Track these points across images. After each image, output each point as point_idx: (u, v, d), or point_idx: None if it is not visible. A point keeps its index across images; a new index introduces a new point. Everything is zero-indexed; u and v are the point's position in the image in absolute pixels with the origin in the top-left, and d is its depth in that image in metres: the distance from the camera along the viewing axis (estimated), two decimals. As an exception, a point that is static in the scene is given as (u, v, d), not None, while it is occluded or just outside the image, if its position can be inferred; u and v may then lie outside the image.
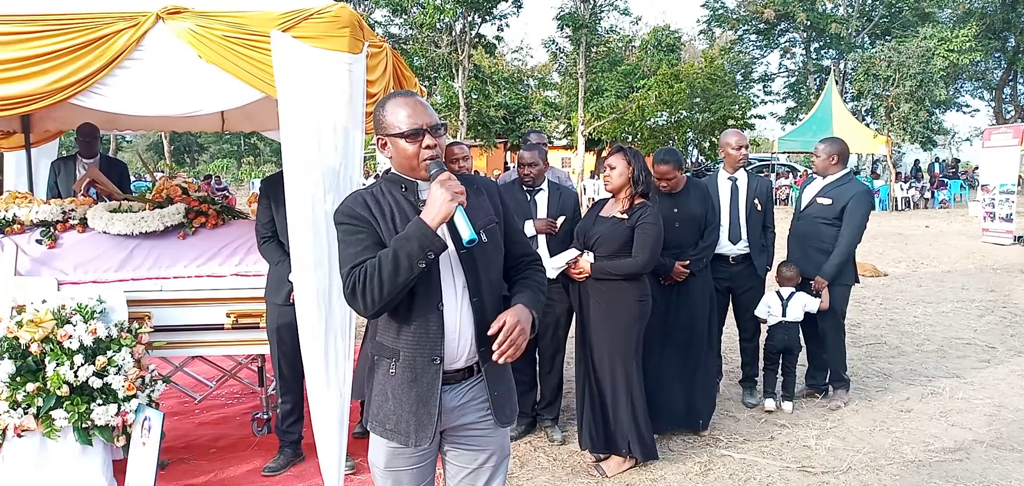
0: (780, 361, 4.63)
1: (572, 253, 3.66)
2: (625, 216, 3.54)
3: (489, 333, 1.82)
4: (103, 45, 2.82)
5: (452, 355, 1.89)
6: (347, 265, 1.81)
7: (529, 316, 1.88)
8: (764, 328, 4.69)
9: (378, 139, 1.91)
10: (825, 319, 4.60)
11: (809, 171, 26.33)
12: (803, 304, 4.53)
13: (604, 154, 4.25)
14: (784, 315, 4.55)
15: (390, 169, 1.98)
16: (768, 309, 4.59)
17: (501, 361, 1.82)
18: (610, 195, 3.71)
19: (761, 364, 4.76)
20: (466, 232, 1.76)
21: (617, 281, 3.54)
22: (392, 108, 1.87)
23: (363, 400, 2.89)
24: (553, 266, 3.68)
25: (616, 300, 3.55)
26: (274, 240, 3.52)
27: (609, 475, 3.63)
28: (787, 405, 4.58)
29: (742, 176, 4.57)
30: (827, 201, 4.57)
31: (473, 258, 1.89)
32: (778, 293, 4.61)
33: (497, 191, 2.06)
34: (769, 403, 4.58)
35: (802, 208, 4.73)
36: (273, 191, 3.44)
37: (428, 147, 1.85)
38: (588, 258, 3.61)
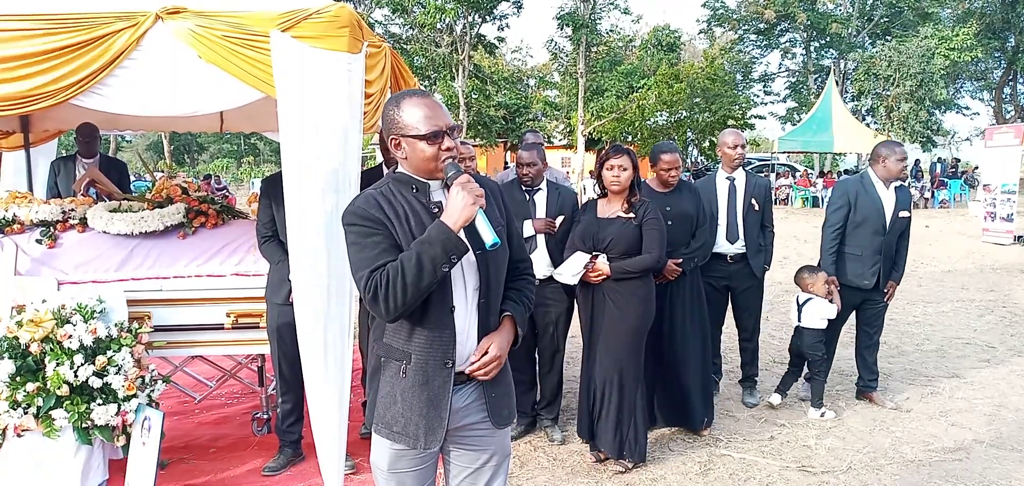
0: (801, 365, 4.57)
1: (585, 257, 3.60)
2: (632, 215, 3.56)
3: (470, 362, 1.89)
4: (103, 45, 2.82)
5: (461, 357, 1.89)
6: (365, 268, 1.79)
7: (510, 338, 1.95)
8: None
9: (391, 138, 1.88)
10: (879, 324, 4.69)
11: (809, 172, 26.24)
12: (819, 312, 4.45)
13: (603, 153, 4.18)
14: (799, 320, 4.53)
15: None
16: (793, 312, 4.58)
17: (481, 378, 1.92)
18: (597, 195, 3.74)
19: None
20: (489, 236, 1.76)
21: (631, 281, 3.55)
22: (408, 108, 1.84)
23: (364, 401, 2.87)
24: (571, 274, 3.61)
25: (630, 301, 3.56)
26: (274, 240, 3.51)
27: (614, 473, 3.62)
28: (813, 412, 4.45)
29: (740, 176, 4.57)
30: (907, 213, 4.55)
31: (486, 261, 1.88)
32: (797, 298, 4.59)
33: (499, 192, 2.05)
34: (775, 398, 4.55)
35: (890, 223, 4.50)
36: (273, 191, 3.44)
37: (447, 149, 1.84)
38: (603, 259, 3.58)
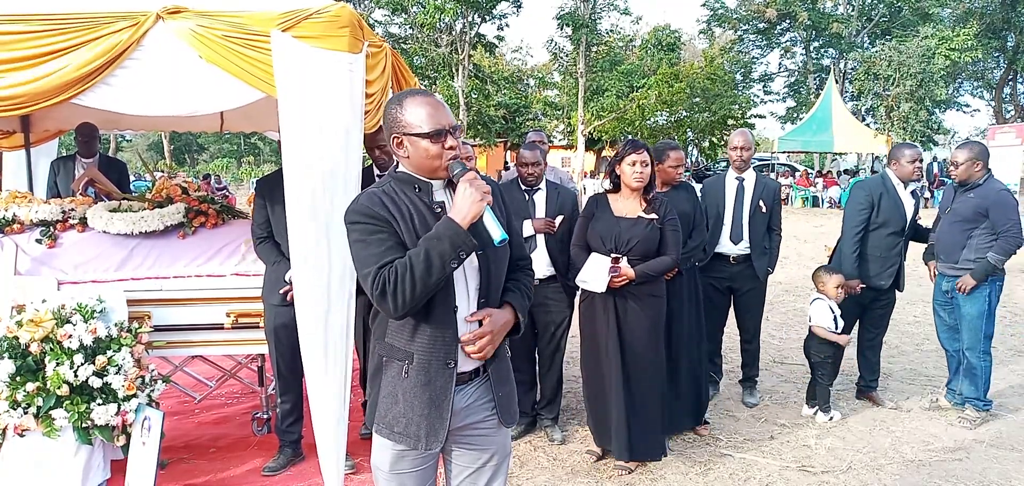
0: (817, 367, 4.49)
1: (606, 261, 3.49)
2: (655, 216, 3.50)
3: (468, 323, 1.87)
4: (103, 42, 2.82)
5: (463, 357, 1.90)
6: (372, 265, 1.78)
7: (510, 321, 1.94)
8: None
9: (393, 137, 1.88)
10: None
11: (809, 172, 26.15)
12: (820, 314, 4.41)
13: (621, 149, 4.08)
14: (810, 320, 4.50)
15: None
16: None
17: (471, 354, 1.88)
18: (605, 190, 3.68)
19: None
20: (497, 232, 1.77)
21: (651, 282, 3.51)
22: (411, 107, 1.85)
23: (364, 401, 2.86)
24: (601, 281, 3.45)
25: (651, 302, 3.53)
26: (270, 240, 3.51)
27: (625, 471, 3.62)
28: (814, 412, 4.42)
29: (750, 177, 4.56)
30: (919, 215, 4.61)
31: (487, 260, 1.88)
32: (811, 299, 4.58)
33: (499, 191, 2.05)
34: (805, 410, 4.49)
35: (909, 225, 4.54)
36: (268, 191, 3.44)
37: (450, 147, 1.85)
38: (626, 263, 3.48)
